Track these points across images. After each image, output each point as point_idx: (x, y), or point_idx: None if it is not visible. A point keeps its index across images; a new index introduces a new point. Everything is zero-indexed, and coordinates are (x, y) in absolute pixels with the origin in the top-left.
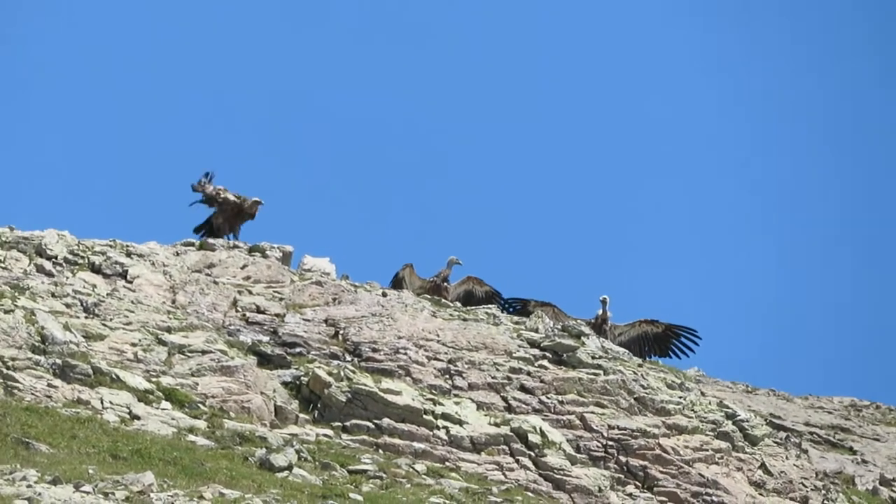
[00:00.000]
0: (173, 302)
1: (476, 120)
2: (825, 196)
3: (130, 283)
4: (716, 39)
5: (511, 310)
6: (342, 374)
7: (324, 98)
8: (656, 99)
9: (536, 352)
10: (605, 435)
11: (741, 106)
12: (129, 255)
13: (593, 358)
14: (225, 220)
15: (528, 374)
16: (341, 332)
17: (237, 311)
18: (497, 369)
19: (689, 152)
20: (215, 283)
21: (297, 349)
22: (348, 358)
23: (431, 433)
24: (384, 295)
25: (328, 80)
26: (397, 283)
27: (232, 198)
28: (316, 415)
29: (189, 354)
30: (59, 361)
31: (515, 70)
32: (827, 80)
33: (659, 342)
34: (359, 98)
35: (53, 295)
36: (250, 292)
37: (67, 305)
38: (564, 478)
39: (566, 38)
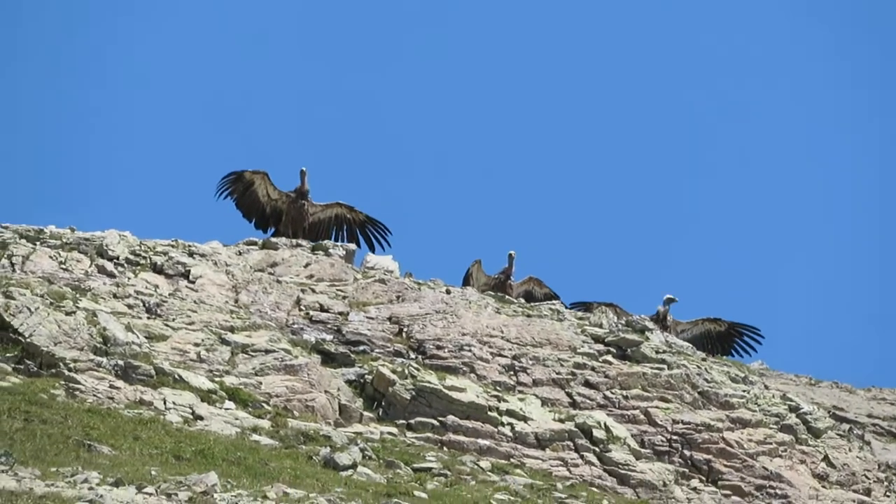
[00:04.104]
0: (236, 301)
1: (537, 117)
2: (887, 182)
3: (193, 283)
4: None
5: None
6: (406, 371)
7: (382, 97)
8: (704, 95)
9: (600, 347)
10: (670, 429)
11: (793, 100)
12: (191, 254)
13: (657, 353)
14: (289, 222)
15: (593, 369)
16: (405, 329)
17: (300, 309)
18: (561, 365)
19: (748, 143)
20: (278, 282)
21: (361, 347)
22: (412, 355)
23: (496, 430)
24: (448, 292)
25: (386, 79)
26: (466, 279)
27: (286, 196)
28: (380, 413)
29: (252, 354)
30: (121, 362)
31: (575, 66)
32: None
33: (722, 340)
34: (417, 94)
35: (115, 296)
36: (313, 291)
37: (129, 306)
38: (629, 473)
39: (622, 35)
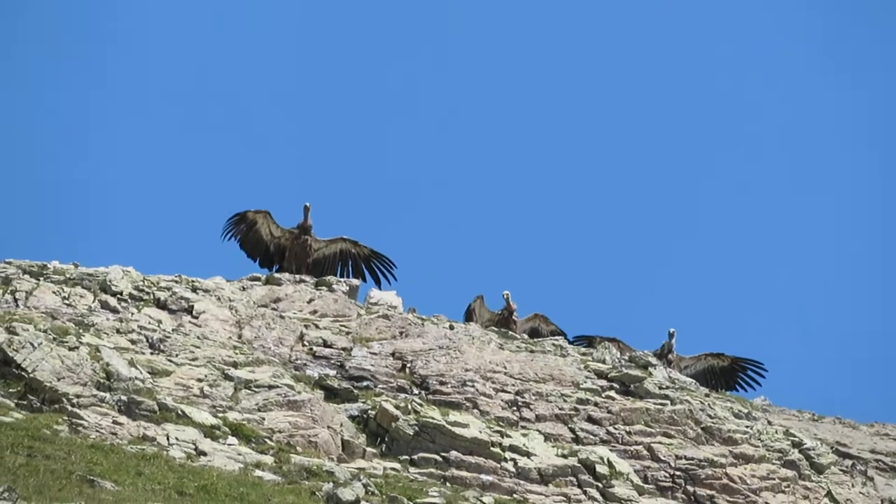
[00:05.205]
0: (239, 337)
1: (541, 152)
2: (891, 212)
3: (196, 318)
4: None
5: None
6: (409, 407)
7: (385, 131)
8: (708, 118)
9: (604, 382)
10: (673, 465)
11: (796, 119)
12: (194, 290)
13: (660, 388)
14: (293, 258)
15: (596, 404)
16: (408, 365)
17: (304, 345)
18: (564, 400)
19: (747, 173)
20: (281, 317)
21: (364, 383)
22: (415, 391)
23: (499, 465)
24: (451, 328)
25: (388, 112)
26: (469, 315)
27: (289, 233)
28: (383, 448)
29: (255, 389)
30: (124, 398)
31: (590, 97)
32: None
33: (725, 375)
34: (421, 129)
35: (118, 331)
36: (317, 326)
37: (132, 342)
38: None
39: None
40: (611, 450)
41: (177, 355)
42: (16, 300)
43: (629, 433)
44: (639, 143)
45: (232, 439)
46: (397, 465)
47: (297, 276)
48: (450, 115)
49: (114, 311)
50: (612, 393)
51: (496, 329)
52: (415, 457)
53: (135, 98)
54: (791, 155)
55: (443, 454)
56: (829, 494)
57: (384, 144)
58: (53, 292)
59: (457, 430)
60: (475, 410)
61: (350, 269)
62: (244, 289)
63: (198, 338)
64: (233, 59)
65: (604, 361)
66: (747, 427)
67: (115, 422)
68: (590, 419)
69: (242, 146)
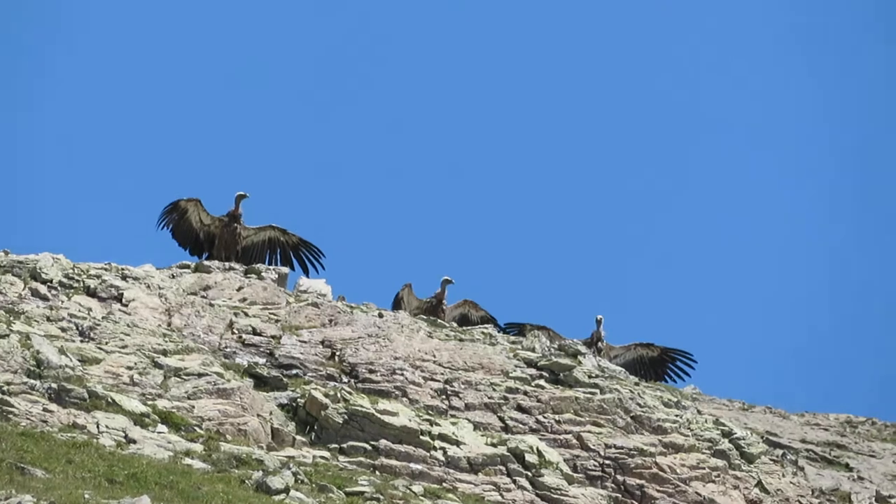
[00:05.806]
0: (169, 325)
1: (467, 135)
2: (823, 208)
3: (126, 306)
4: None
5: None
6: (339, 395)
7: (311, 117)
8: (634, 117)
9: (533, 371)
10: (602, 454)
11: (732, 109)
12: (124, 278)
13: (590, 377)
14: (222, 246)
15: (525, 393)
16: (338, 353)
17: (233, 333)
18: (494, 389)
19: (680, 164)
20: (211, 305)
21: (294, 371)
22: (345, 379)
23: (428, 454)
24: (380, 316)
25: (316, 99)
26: (397, 303)
27: (219, 220)
28: (313, 437)
29: (185, 377)
30: (54, 385)
31: (515, 81)
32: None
33: (654, 366)
34: (347, 115)
35: (48, 319)
36: (246, 314)
37: (63, 329)
38: (561, 497)
39: (576, 41)
40: (540, 439)
41: (107, 343)
42: None
43: (558, 422)
44: (571, 131)
45: (162, 427)
46: (327, 454)
47: (227, 264)
48: (379, 99)
49: (44, 298)
50: (541, 382)
51: (425, 317)
52: (344, 445)
53: (67, 75)
54: (725, 146)
55: (372, 443)
56: (759, 484)
57: (313, 131)
58: None
59: (386, 418)
60: (404, 399)
61: (279, 257)
62: (174, 276)
63: (128, 325)
64: (175, 39)
65: (533, 350)
66: (677, 416)
67: (45, 409)
68: (519, 408)
69: (171, 134)
